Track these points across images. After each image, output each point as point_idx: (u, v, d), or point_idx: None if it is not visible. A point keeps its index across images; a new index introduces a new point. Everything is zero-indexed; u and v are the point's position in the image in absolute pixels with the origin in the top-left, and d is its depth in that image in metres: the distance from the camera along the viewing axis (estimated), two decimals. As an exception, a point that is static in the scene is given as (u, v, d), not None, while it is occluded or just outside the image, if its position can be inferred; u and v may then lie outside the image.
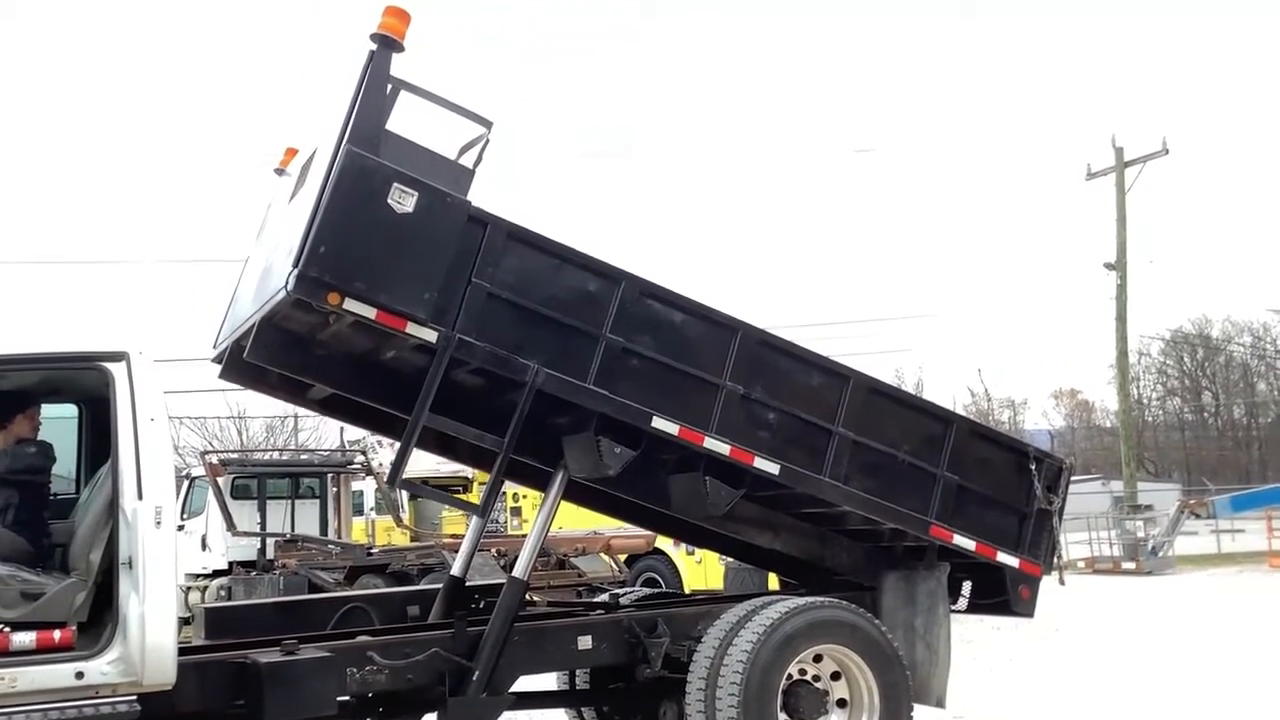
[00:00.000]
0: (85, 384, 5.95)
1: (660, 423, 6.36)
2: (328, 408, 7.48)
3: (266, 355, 6.56)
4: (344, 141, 5.69)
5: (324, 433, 47.69)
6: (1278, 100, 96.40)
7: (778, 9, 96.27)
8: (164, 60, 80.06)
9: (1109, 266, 31.78)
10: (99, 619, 5.29)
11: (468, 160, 6.26)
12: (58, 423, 6.55)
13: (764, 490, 7.05)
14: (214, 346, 7.33)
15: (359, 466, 20.47)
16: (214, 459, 18.80)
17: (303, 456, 31.19)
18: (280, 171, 7.25)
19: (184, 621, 7.93)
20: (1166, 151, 30.89)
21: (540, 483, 7.21)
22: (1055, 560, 7.78)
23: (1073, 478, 8.11)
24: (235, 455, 24.66)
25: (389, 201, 5.65)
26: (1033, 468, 7.61)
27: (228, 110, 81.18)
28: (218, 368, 7.28)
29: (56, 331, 5.98)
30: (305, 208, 5.84)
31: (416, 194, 5.70)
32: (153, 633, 5.16)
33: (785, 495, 7.19)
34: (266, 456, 33.95)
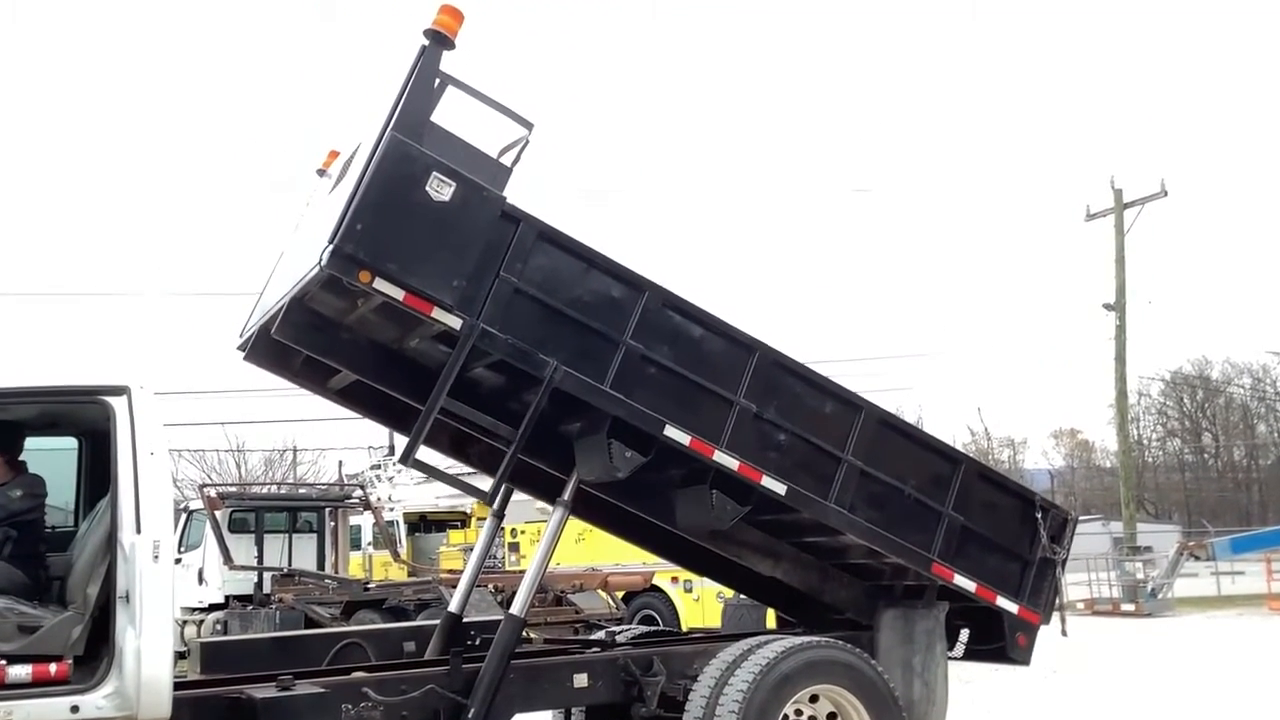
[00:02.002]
0: (86, 417, 5.98)
1: (673, 431, 6.43)
2: (346, 398, 7.56)
3: (293, 334, 6.69)
4: (389, 128, 5.84)
5: (322, 466, 47.71)
6: (1276, 142, 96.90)
7: (771, 52, 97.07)
8: (169, 85, 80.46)
9: (1108, 307, 31.86)
10: (95, 653, 5.29)
11: (507, 160, 6.40)
12: (57, 455, 6.58)
13: (768, 513, 7.09)
14: (240, 335, 7.46)
15: (357, 500, 20.45)
16: (212, 492, 18.79)
17: (301, 490, 31.20)
18: (322, 172, 7.38)
19: (179, 656, 7.94)
20: (1165, 193, 31.05)
21: (549, 493, 7.29)
22: (1059, 611, 7.77)
23: (1073, 519, 8.14)
24: (233, 489, 24.67)
25: (427, 189, 5.81)
26: (1039, 516, 7.63)
27: (236, 140, 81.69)
28: (241, 355, 7.43)
29: (58, 364, 6.02)
30: (344, 194, 5.98)
31: (454, 185, 5.86)
32: (149, 667, 5.16)
33: (789, 521, 7.24)
34: (265, 490, 33.92)
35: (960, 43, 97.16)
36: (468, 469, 8.39)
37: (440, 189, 5.81)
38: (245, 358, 7.38)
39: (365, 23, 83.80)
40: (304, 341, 6.79)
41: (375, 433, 44.98)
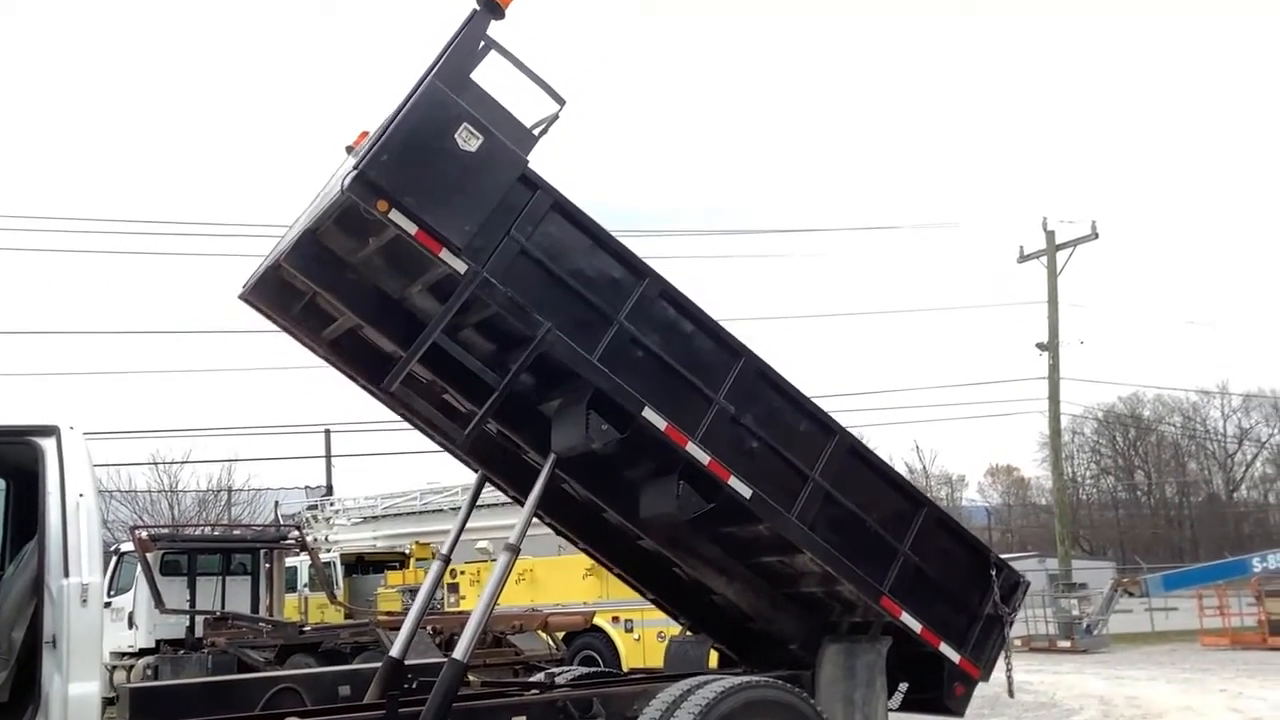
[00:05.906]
0: (13, 458, 5.86)
1: (651, 414, 6.57)
2: (336, 352, 7.58)
3: (302, 266, 6.83)
4: (430, 76, 6.08)
5: (258, 507, 47.00)
6: (1203, 183, 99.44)
7: (710, 87, 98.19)
8: (129, 112, 79.51)
9: (1041, 347, 32.38)
10: (21, 699, 5.18)
11: (535, 132, 6.56)
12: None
13: (730, 524, 7.18)
14: (244, 285, 7.42)
15: (293, 542, 20.14)
16: (143, 534, 18.37)
17: (235, 532, 30.66)
18: (350, 149, 7.39)
19: (108, 702, 7.76)
20: (1096, 235, 31.68)
21: (519, 484, 7.46)
22: (1007, 673, 7.87)
23: (1009, 555, 8.29)
24: (166, 530, 24.18)
25: (456, 137, 6.07)
26: (993, 573, 7.77)
27: (191, 177, 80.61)
28: (242, 297, 7.42)
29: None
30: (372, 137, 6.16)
31: (482, 138, 6.11)
32: (76, 714, 5.06)
33: (748, 537, 7.33)
34: (198, 531, 33.32)
35: (899, 84, 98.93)
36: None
37: (468, 140, 6.06)
38: (246, 297, 7.35)
39: (366, 23, 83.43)
40: (311, 273, 6.88)
41: (312, 473, 44.54)
